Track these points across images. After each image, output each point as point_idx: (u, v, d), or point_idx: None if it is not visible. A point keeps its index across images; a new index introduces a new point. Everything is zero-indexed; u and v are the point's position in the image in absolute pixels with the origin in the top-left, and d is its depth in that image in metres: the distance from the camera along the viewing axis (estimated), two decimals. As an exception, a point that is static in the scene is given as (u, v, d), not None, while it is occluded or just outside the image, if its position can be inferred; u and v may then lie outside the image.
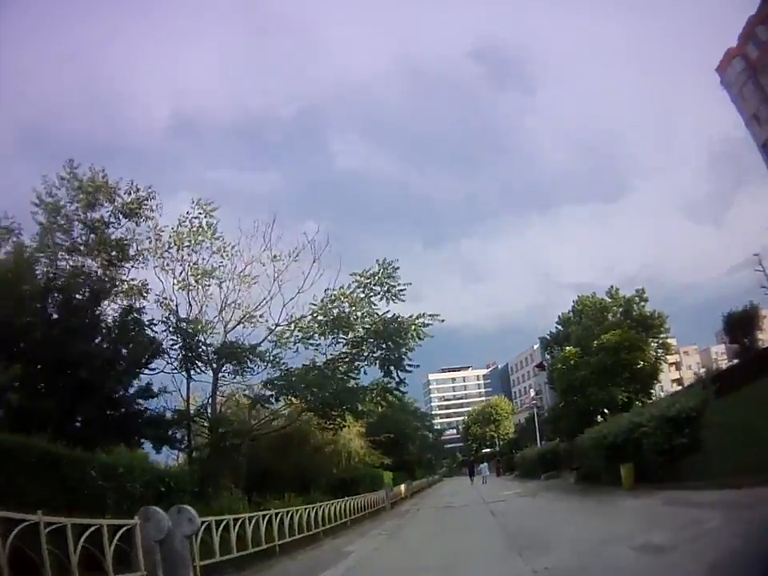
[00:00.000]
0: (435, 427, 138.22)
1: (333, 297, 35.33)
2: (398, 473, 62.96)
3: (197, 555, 15.80)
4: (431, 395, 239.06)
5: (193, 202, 32.99)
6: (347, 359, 36.36)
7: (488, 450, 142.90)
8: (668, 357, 50.88)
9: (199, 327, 32.59)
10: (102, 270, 28.90)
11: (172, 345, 31.96)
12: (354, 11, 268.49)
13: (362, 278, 35.47)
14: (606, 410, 43.63)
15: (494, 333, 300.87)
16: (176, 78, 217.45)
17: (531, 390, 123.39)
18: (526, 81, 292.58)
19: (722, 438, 23.47)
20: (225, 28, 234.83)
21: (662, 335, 47.43)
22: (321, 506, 28.78)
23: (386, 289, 35.46)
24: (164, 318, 32.12)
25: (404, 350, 35.94)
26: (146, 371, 29.75)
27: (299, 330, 35.02)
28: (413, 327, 35.89)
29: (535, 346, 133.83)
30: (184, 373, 32.42)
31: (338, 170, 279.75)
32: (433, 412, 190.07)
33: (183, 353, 32.01)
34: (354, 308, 35.53)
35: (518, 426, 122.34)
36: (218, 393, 33.86)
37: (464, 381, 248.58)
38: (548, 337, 57.99)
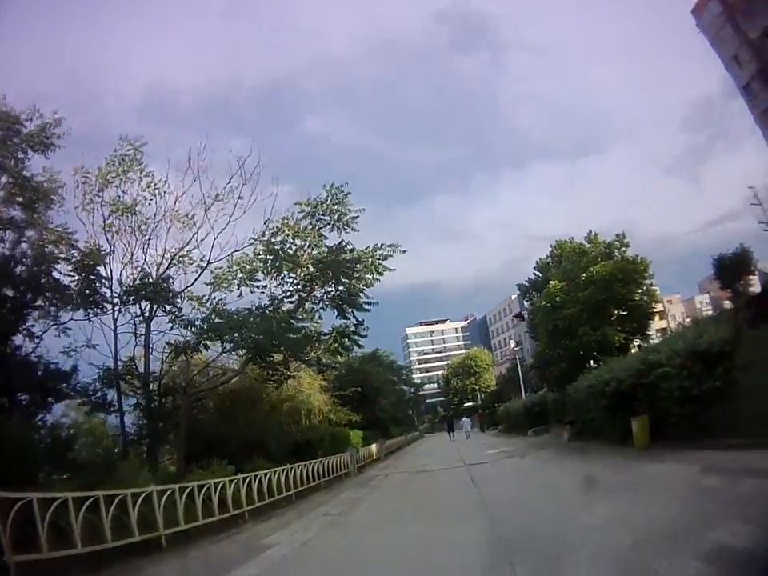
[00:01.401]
0: (414, 381, 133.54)
1: (274, 229, 31.99)
2: (369, 431, 56.85)
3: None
4: (409, 349, 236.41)
5: (120, 138, 29.70)
6: (295, 300, 32.81)
7: (470, 403, 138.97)
8: (653, 305, 45.90)
9: (100, 260, 29.09)
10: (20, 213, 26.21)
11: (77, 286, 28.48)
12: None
13: (307, 206, 32.24)
14: (599, 354, 38.12)
15: (471, 288, 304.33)
16: (149, 56, 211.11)
17: (511, 341, 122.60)
18: (496, 42, 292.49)
19: (760, 379, 17.78)
20: (197, 4, 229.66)
21: (646, 281, 41.99)
22: (255, 477, 24.03)
23: (335, 217, 32.37)
24: (67, 255, 28.22)
25: (360, 285, 33.24)
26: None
27: (240, 270, 31.73)
28: (369, 260, 32.41)
29: (513, 296, 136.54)
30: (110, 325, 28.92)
31: (307, 137, 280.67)
32: (412, 366, 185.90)
33: (80, 289, 28.28)
34: (300, 241, 32.04)
35: (499, 378, 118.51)
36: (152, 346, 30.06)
37: (442, 334, 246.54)
38: (526, 284, 52.45)
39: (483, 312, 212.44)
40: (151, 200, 30.06)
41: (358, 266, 32.53)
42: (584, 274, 40.30)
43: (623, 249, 41.77)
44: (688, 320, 54.85)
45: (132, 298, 29.00)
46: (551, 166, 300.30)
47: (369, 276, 32.82)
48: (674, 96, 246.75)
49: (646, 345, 38.25)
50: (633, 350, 38.44)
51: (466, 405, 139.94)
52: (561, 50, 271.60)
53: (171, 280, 30.40)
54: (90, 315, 28.58)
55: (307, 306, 33.59)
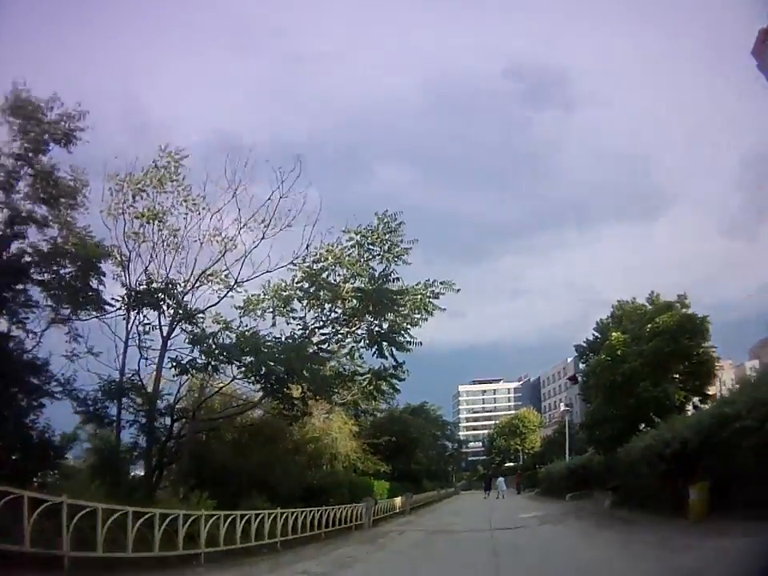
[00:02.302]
0: (458, 438, 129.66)
1: (317, 255, 29.28)
2: (399, 483, 53.45)
3: None
4: (460, 407, 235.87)
5: (160, 148, 27.62)
6: (329, 333, 30.29)
7: (511, 463, 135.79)
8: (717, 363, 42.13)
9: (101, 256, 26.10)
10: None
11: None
12: (385, 30, 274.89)
13: (356, 234, 29.58)
14: (657, 414, 33.94)
15: (529, 348, 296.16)
16: (216, 109, 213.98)
17: (561, 403, 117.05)
18: (562, 99, 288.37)
19: None
20: (259, 58, 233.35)
21: (706, 342, 38.00)
22: (242, 517, 22.07)
23: (386, 248, 29.63)
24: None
25: (404, 323, 30.27)
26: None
27: (275, 296, 29.55)
28: (419, 296, 29.67)
29: (569, 359, 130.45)
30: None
31: (373, 190, 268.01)
32: (460, 424, 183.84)
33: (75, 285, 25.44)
34: (344, 270, 29.68)
35: (544, 440, 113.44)
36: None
37: (494, 393, 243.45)
38: (584, 344, 49.03)
39: (538, 373, 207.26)
40: (186, 214, 28.04)
41: (403, 300, 29.63)
42: (649, 325, 36.33)
43: (683, 310, 37.75)
44: (737, 386, 51.28)
45: (134, 302, 26.73)
46: (613, 226, 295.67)
47: (417, 315, 30.06)
48: (735, 151, 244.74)
49: (704, 406, 34.15)
50: (689, 412, 34.09)
51: (507, 465, 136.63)
52: (623, 104, 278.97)
53: (191, 295, 28.18)
54: (89, 317, 26.41)
55: (347, 342, 30.81)
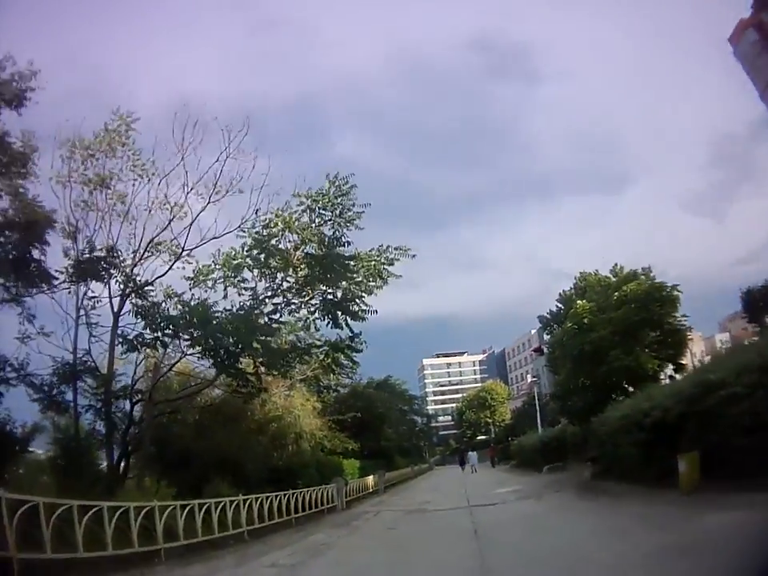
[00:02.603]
0: (427, 411, 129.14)
1: (266, 221, 28.08)
2: (370, 461, 52.72)
3: None
4: (425, 380, 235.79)
5: (112, 112, 26.61)
6: (281, 303, 29.17)
7: (483, 437, 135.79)
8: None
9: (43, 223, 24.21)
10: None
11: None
12: (350, 4, 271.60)
13: (306, 198, 28.28)
14: (630, 383, 33.20)
15: (491, 320, 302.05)
16: (176, 74, 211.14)
17: (528, 375, 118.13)
18: (526, 73, 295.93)
19: None
20: (223, 24, 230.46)
21: (676, 311, 37.13)
22: (201, 506, 20.71)
23: (337, 212, 28.45)
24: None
25: (358, 291, 29.27)
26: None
27: (225, 265, 28.29)
28: (372, 263, 28.47)
29: (532, 331, 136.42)
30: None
31: (330, 158, 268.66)
32: (428, 398, 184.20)
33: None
34: (295, 236, 28.45)
35: (514, 412, 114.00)
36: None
37: (459, 366, 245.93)
38: (547, 315, 48.31)
39: (502, 346, 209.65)
40: (135, 180, 27.17)
41: (356, 266, 28.67)
42: (616, 293, 35.49)
43: (648, 282, 36.95)
44: (707, 358, 51.13)
45: (78, 273, 25.28)
46: (576, 201, 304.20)
47: (371, 282, 29.06)
48: (702, 131, 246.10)
49: (677, 376, 33.34)
50: (663, 381, 33.17)
51: (478, 438, 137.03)
52: (590, 80, 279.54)
53: (140, 267, 27.18)
54: (37, 292, 25.00)
55: (300, 313, 29.83)
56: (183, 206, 27.39)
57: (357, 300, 29.07)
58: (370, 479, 46.68)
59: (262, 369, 28.35)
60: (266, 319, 28.15)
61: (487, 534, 17.51)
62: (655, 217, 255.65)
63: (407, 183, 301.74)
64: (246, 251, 28.19)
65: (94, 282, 25.80)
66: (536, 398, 70.77)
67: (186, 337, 25.80)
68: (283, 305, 28.95)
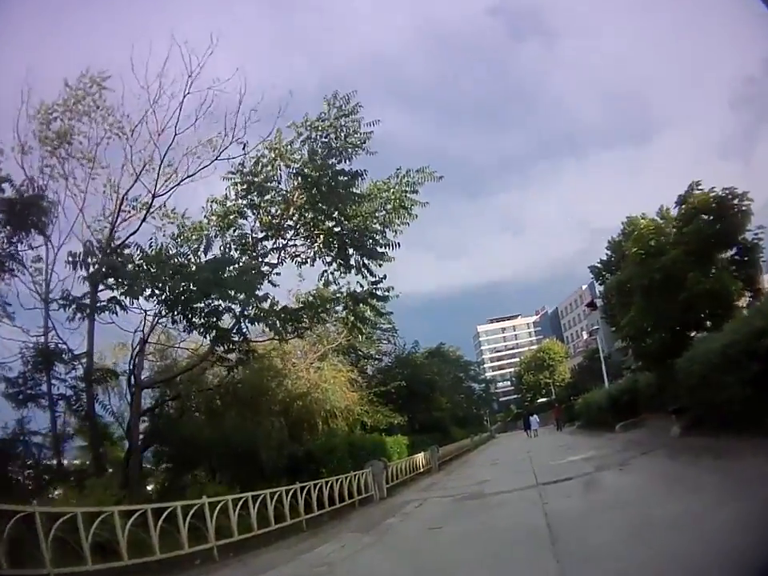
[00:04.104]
0: (485, 378, 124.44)
1: (257, 157, 24.13)
2: (423, 435, 46.66)
3: None
4: (482, 348, 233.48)
5: (83, 73, 23.46)
6: (283, 247, 25.33)
7: (543, 399, 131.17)
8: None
9: None
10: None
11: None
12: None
13: (301, 127, 24.11)
14: (712, 313, 28.01)
15: (540, 282, 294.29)
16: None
17: (583, 332, 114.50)
18: (547, 31, 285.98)
19: None
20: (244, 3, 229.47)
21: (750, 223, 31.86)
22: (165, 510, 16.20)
23: (342, 135, 23.81)
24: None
25: (373, 222, 24.80)
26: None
27: (214, 214, 24.67)
28: (391, 191, 24.64)
29: (583, 287, 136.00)
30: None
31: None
32: (485, 365, 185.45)
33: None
34: (291, 169, 24.21)
35: (575, 369, 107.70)
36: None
37: (514, 330, 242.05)
38: (598, 265, 44.72)
39: (554, 305, 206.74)
40: (109, 138, 24.03)
41: (370, 194, 24.49)
42: (683, 205, 29.85)
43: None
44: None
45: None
46: (609, 154, 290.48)
47: (392, 214, 24.56)
48: (726, 73, 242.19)
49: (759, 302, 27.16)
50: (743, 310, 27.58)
51: (539, 400, 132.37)
52: (608, 32, 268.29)
53: (111, 222, 23.86)
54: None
55: (304, 256, 25.53)
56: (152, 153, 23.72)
57: (374, 235, 24.40)
58: (420, 457, 40.46)
59: (245, 323, 23.44)
60: (258, 263, 23.72)
61: (568, 534, 11.34)
62: (685, 164, 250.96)
63: (440, 152, 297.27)
64: (240, 195, 24.20)
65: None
66: (599, 349, 65.13)
67: (125, 280, 20.81)
68: (282, 247, 24.54)
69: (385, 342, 47.94)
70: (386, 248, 24.46)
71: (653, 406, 32.84)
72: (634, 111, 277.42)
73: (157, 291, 20.83)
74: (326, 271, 25.50)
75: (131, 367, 23.29)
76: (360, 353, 43.02)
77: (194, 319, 21.75)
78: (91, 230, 23.58)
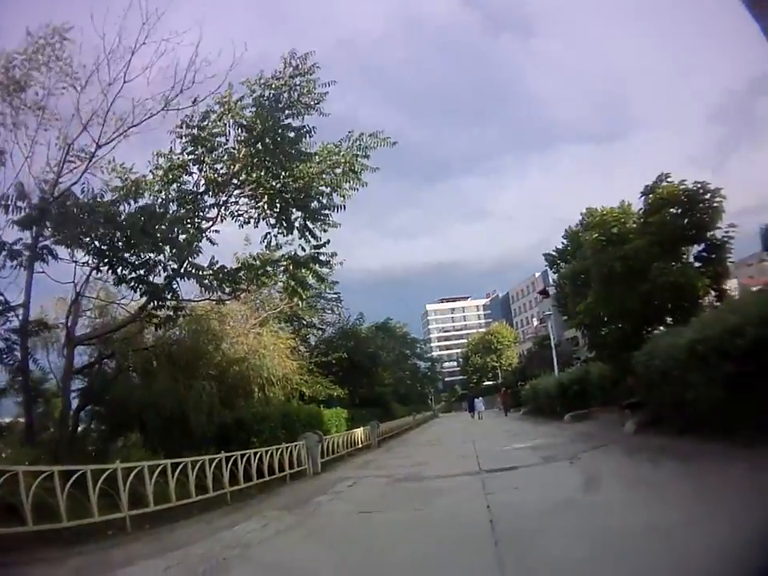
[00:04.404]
0: (431, 356, 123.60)
1: (206, 111, 22.21)
2: (364, 410, 45.32)
3: None
4: (429, 326, 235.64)
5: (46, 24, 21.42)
6: (223, 205, 23.47)
7: (489, 382, 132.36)
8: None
9: None
10: None
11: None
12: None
13: (258, 85, 22.39)
14: (675, 307, 26.94)
15: (495, 266, 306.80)
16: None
17: (534, 319, 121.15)
18: (522, 24, 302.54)
19: None
20: None
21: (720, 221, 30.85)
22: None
23: (296, 94, 22.20)
24: None
25: (321, 185, 23.03)
26: None
27: (159, 168, 22.55)
28: (341, 153, 22.96)
29: (537, 274, 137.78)
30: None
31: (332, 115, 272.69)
32: (432, 344, 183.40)
33: None
34: (239, 127, 22.45)
35: (525, 355, 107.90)
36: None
37: (464, 311, 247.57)
38: (553, 253, 47.13)
39: (506, 290, 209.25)
40: (65, 89, 21.80)
41: (319, 154, 22.72)
42: (651, 195, 28.65)
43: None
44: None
45: None
46: (578, 150, 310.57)
47: (341, 178, 22.81)
48: (705, 84, 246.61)
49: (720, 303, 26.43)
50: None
51: (485, 383, 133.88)
52: (588, 29, 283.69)
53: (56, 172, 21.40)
54: None
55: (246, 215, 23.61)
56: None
57: (320, 198, 22.95)
58: (360, 432, 38.87)
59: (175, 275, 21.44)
60: (202, 224, 22.27)
61: (513, 536, 9.79)
62: (655, 167, 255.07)
63: (406, 139, 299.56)
64: (185, 149, 22.37)
65: None
66: (551, 336, 64.43)
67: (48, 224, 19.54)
68: (222, 204, 22.81)
69: (329, 311, 46.59)
70: (331, 211, 23.08)
71: (604, 398, 32.28)
72: (609, 109, 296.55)
73: (86, 240, 19.37)
74: (269, 233, 23.99)
75: (66, 322, 21.84)
76: (303, 321, 42.04)
77: (123, 272, 20.24)
78: (36, 181, 21.41)
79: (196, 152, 22.26)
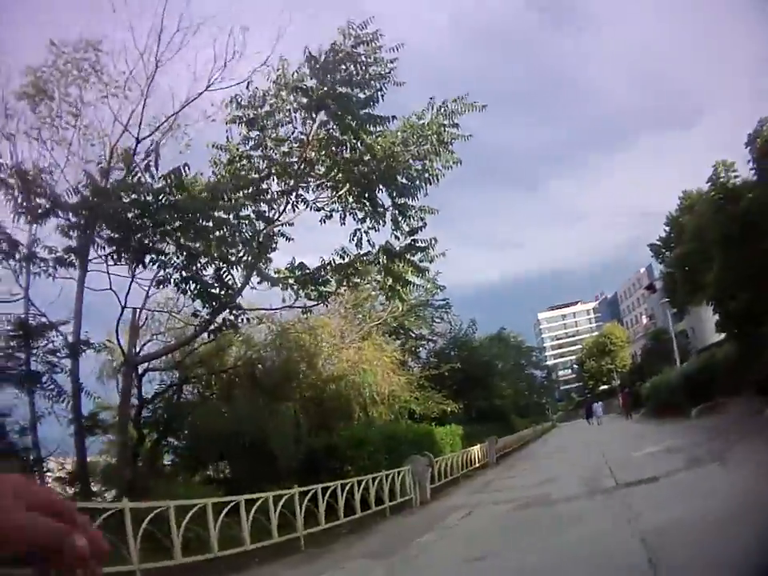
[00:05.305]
0: (547, 365, 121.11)
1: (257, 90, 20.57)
2: (481, 425, 41.86)
3: None
4: (543, 335, 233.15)
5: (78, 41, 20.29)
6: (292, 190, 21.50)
7: (605, 386, 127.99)
8: None
9: None
10: None
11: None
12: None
13: (311, 61, 20.04)
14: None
15: (598, 268, 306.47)
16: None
17: (643, 316, 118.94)
18: (582, 21, 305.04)
19: None
20: None
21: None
22: None
23: (361, 66, 19.90)
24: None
25: (402, 152, 20.55)
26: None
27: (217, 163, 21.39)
28: (425, 122, 20.78)
29: (642, 270, 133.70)
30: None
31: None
32: (546, 353, 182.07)
33: None
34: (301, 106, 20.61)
35: (635, 356, 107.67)
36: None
37: (574, 317, 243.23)
38: (657, 242, 47.52)
39: (613, 291, 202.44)
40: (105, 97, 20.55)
41: (402, 129, 20.81)
42: (758, 140, 26.20)
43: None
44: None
45: None
46: (651, 141, 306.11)
47: (431, 154, 20.64)
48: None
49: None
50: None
51: (601, 388, 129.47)
52: (644, 17, 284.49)
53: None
54: None
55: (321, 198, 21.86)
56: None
57: (408, 171, 20.72)
58: (476, 450, 35.52)
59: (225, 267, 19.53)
60: (270, 214, 20.70)
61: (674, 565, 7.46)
62: (727, 147, 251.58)
63: (484, 146, 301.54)
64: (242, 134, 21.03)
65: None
66: (669, 325, 62.41)
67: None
68: (290, 190, 21.04)
69: (438, 320, 44.21)
70: (424, 188, 20.80)
71: (734, 385, 28.86)
72: (675, 95, 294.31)
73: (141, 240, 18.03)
74: (358, 230, 21.58)
75: (117, 340, 19.97)
76: (411, 333, 40.25)
77: (189, 281, 18.47)
78: (81, 186, 19.59)
79: (255, 136, 20.87)
